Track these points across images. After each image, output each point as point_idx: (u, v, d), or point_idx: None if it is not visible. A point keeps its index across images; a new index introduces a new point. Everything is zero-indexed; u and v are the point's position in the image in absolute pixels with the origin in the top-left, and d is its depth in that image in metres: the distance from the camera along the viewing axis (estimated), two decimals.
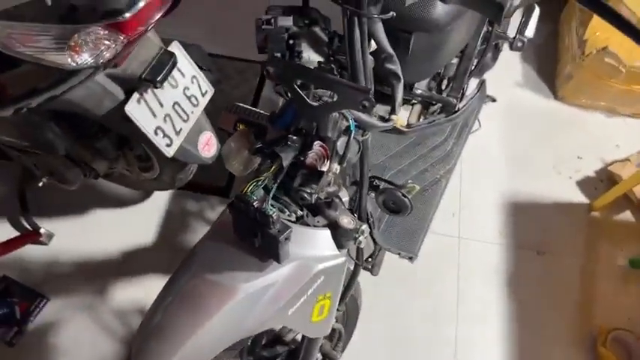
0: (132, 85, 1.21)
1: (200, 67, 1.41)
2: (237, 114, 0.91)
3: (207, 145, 1.48)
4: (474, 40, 1.38)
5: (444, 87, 1.56)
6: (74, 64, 0.98)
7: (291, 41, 0.87)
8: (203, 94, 1.41)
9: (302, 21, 0.85)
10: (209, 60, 1.52)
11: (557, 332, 1.68)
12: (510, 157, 2.06)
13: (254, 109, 0.90)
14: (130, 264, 1.74)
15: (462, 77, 1.44)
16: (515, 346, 1.65)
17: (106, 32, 0.96)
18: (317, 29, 0.85)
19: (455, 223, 1.87)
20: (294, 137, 0.74)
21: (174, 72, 1.29)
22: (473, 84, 1.60)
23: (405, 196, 0.89)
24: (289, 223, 0.75)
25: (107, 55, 0.99)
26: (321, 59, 0.85)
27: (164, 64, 1.21)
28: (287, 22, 0.86)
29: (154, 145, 1.30)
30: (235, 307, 0.75)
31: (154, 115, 1.27)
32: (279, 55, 0.83)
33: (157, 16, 1.02)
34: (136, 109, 1.22)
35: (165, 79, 1.21)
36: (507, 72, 2.28)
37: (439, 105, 1.53)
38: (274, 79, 0.68)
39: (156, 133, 1.28)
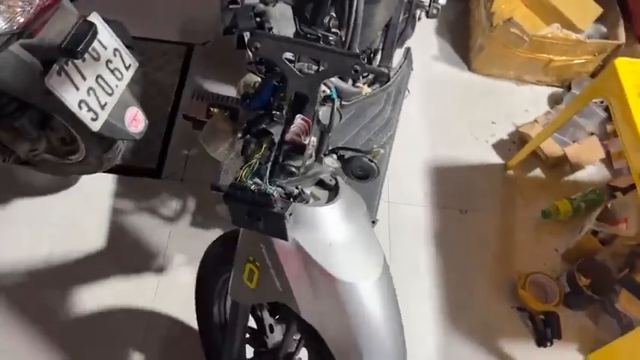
0: (51, 56, 1.18)
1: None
2: (206, 100, 0.92)
3: (135, 121, 1.46)
4: (397, 10, 1.46)
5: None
6: None
7: (258, 19, 0.87)
8: (127, 68, 1.40)
9: None
10: (131, 38, 1.50)
11: (482, 281, 1.82)
12: (431, 126, 2.18)
13: (219, 93, 0.91)
14: (58, 258, 1.67)
15: (390, 47, 1.51)
16: (445, 296, 1.76)
17: None
18: (283, 5, 0.86)
19: (384, 189, 1.96)
20: (278, 113, 0.76)
21: (96, 44, 1.26)
22: (397, 53, 1.68)
23: (371, 161, 0.94)
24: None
25: (21, 19, 0.97)
26: (291, 34, 0.86)
27: (84, 33, 1.18)
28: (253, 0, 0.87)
29: (79, 119, 1.27)
30: None
31: (77, 88, 1.25)
32: (247, 33, 0.83)
33: None
34: (57, 82, 1.19)
35: (86, 49, 1.19)
36: (424, 47, 2.40)
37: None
38: (261, 54, 0.69)
39: (80, 107, 1.26)
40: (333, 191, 1.01)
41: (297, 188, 0.93)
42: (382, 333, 0.90)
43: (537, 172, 2.12)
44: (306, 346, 1.05)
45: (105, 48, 1.31)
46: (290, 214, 0.81)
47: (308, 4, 0.86)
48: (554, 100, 2.33)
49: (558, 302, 1.75)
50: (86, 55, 1.24)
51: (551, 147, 2.06)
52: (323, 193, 1.00)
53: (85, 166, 1.65)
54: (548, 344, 1.70)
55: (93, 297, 1.61)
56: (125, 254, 1.70)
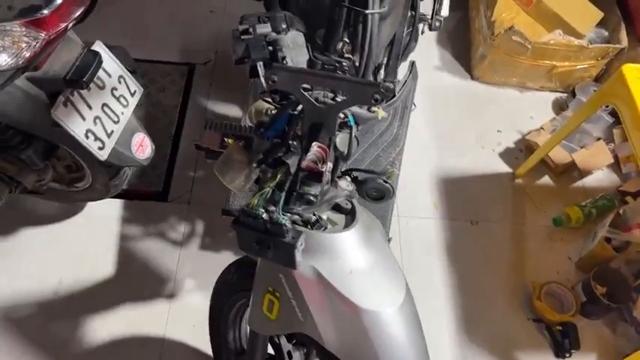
0: (56, 88, 1.17)
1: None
2: (219, 130, 0.91)
3: (142, 147, 1.45)
4: (401, 25, 1.45)
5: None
6: None
7: (270, 47, 0.86)
8: (132, 94, 1.39)
9: (280, 26, 0.84)
10: (133, 62, 1.49)
11: (495, 292, 1.80)
12: (436, 137, 2.17)
13: (231, 122, 0.90)
14: (68, 287, 1.65)
15: (395, 61, 1.50)
16: (460, 309, 1.74)
17: (25, 30, 0.92)
18: (295, 33, 0.85)
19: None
20: (294, 143, 0.75)
21: (101, 72, 1.25)
22: (402, 68, 1.68)
23: (386, 182, 0.93)
24: (301, 228, 0.77)
25: (27, 54, 0.95)
26: (304, 62, 0.85)
27: (89, 63, 1.17)
28: (265, 29, 0.85)
29: (86, 149, 1.26)
30: None
31: (83, 118, 1.23)
32: (260, 63, 0.82)
33: (78, 12, 1.00)
34: (63, 113, 1.18)
35: (91, 79, 1.17)
36: (426, 58, 2.40)
37: None
38: (279, 86, 0.68)
39: (87, 137, 1.24)
40: (349, 215, 0.99)
41: (314, 215, 0.92)
42: (408, 358, 0.89)
43: (546, 179, 2.10)
44: None
45: (110, 76, 1.30)
46: (301, 244, 0.80)
47: (320, 31, 0.85)
48: (558, 106, 2.32)
49: (575, 312, 1.73)
50: (91, 84, 1.23)
51: (559, 154, 2.04)
52: (339, 218, 0.99)
53: (91, 193, 1.63)
54: (567, 355, 1.68)
55: (104, 326, 1.58)
56: (135, 281, 1.68)
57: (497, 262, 1.87)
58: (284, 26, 0.82)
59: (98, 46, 1.26)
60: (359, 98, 0.68)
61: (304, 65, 0.83)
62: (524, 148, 2.16)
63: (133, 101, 1.39)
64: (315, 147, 0.82)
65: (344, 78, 0.70)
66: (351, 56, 0.82)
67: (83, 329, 1.58)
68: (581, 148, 2.08)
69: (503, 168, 2.12)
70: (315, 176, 0.85)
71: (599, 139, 2.12)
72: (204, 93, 2.19)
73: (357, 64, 0.82)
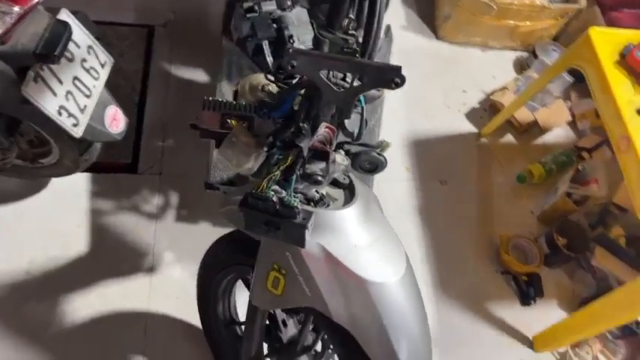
0: (25, 63, 1.08)
1: None
2: (219, 110, 0.86)
3: (115, 120, 1.38)
4: None
5: None
6: None
7: (275, 25, 0.82)
8: (102, 65, 1.31)
9: (285, 3, 0.80)
10: (97, 28, 1.39)
11: (466, 248, 1.89)
12: (406, 98, 2.19)
13: (230, 101, 0.86)
14: (41, 266, 1.59)
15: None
16: (434, 267, 1.82)
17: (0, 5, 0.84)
18: (299, 9, 0.81)
19: None
20: (305, 125, 0.73)
21: (70, 44, 1.17)
22: None
23: (379, 154, 0.93)
24: (309, 208, 0.77)
25: (0, 30, 0.88)
26: (310, 40, 0.82)
27: (59, 35, 1.09)
28: (271, 6, 0.81)
29: (60, 127, 1.19)
30: None
31: (55, 94, 1.16)
32: (266, 41, 0.78)
33: None
34: (34, 90, 1.10)
35: (62, 52, 1.10)
36: (392, 18, 2.38)
37: None
38: (298, 71, 0.65)
39: (60, 114, 1.17)
40: (347, 189, 1.00)
41: (317, 192, 0.92)
42: (412, 325, 0.93)
43: (509, 137, 2.18)
44: (334, 346, 1.06)
45: (78, 47, 1.22)
46: (311, 225, 0.81)
47: (323, 6, 0.82)
48: (519, 65, 2.39)
49: (539, 263, 1.85)
50: None
51: (522, 113, 2.12)
52: (338, 193, 1.00)
53: (59, 169, 1.55)
54: (532, 302, 1.80)
55: (84, 304, 1.55)
56: (111, 256, 1.64)
57: (467, 219, 1.96)
58: (289, 3, 0.79)
59: (65, 15, 1.17)
60: (379, 82, 0.68)
61: (310, 43, 0.81)
62: (489, 107, 2.22)
63: (104, 73, 1.31)
64: (323, 127, 0.81)
65: (365, 63, 0.69)
66: (355, 33, 0.80)
67: (62, 309, 1.54)
68: (543, 106, 2.16)
69: (469, 128, 2.18)
70: (322, 155, 0.85)
71: (558, 97, 2.21)
72: (165, 56, 2.09)
73: (360, 40, 0.81)
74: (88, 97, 1.25)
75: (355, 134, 0.80)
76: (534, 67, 2.22)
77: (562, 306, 1.84)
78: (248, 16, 0.77)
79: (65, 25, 1.11)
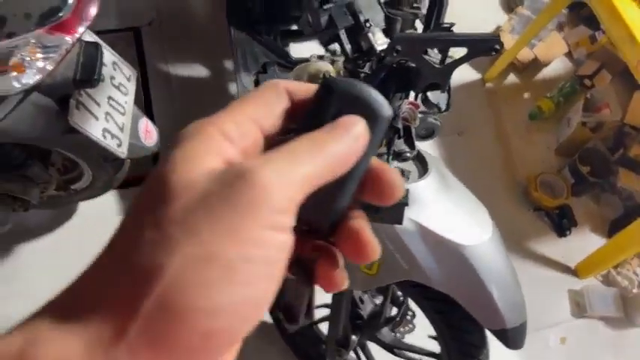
0: (64, 92, 1.04)
1: None
2: None
3: (148, 132, 1.35)
4: None
5: None
6: (20, 86, 0.81)
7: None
8: (128, 79, 1.27)
9: None
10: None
11: (494, 193, 1.93)
12: None
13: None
14: None
15: None
16: None
17: (49, 38, 0.80)
18: None
19: None
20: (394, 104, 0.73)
21: None
22: None
23: (436, 120, 0.94)
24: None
25: (52, 66, 0.84)
26: (382, 19, 0.80)
27: (93, 58, 1.05)
28: None
29: (107, 150, 1.16)
30: None
31: (96, 118, 1.12)
32: (343, 30, 0.77)
33: (95, 10, 0.87)
34: (78, 117, 1.06)
35: (100, 74, 1.06)
36: None
37: None
38: (402, 55, 0.65)
39: (104, 137, 1.14)
40: (415, 160, 1.02)
41: (398, 168, 0.93)
42: (505, 275, 0.97)
43: (512, 77, 2.21)
44: (427, 312, 1.09)
45: (106, 65, 1.17)
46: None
47: None
48: (507, 5, 2.39)
49: (567, 195, 1.92)
50: None
51: (522, 52, 2.14)
52: (409, 164, 1.01)
53: (93, 190, 1.51)
54: (568, 233, 1.87)
55: None
56: None
57: (489, 165, 2.00)
58: None
59: (89, 36, 1.12)
60: (478, 51, 0.69)
61: (382, 24, 0.80)
62: None
63: (132, 87, 1.28)
64: (406, 104, 0.81)
65: (464, 35, 0.69)
66: (419, 5, 0.80)
67: None
68: (540, 41, 2.19)
69: (473, 75, 2.19)
70: (406, 132, 0.86)
71: (552, 29, 2.24)
72: (159, 56, 2.03)
73: (423, 12, 0.81)
74: (123, 114, 1.22)
75: (444, 106, 0.80)
76: (527, 5, 2.23)
77: (596, 231, 1.91)
78: (325, 7, 0.76)
79: (96, 47, 1.06)
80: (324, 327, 1.35)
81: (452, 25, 0.86)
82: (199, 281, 0.23)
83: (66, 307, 0.25)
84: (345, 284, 0.31)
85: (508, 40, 2.12)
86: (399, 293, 1.21)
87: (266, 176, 0.25)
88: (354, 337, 1.25)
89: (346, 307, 1.18)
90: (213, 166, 0.26)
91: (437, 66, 0.70)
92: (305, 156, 0.26)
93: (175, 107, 1.92)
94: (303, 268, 0.31)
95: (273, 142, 0.29)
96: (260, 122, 0.28)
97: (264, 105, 0.29)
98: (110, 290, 0.24)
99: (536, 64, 2.20)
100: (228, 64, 1.95)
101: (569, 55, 2.29)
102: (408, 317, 1.31)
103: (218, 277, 0.24)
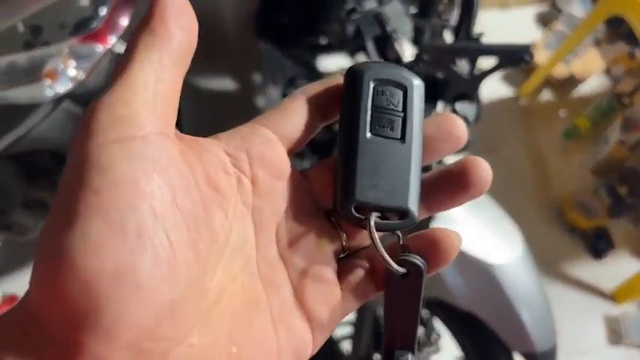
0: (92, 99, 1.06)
1: None
2: None
3: None
4: None
5: None
6: (52, 94, 0.83)
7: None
8: None
9: None
10: None
11: (529, 214, 1.87)
12: None
13: None
14: None
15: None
16: None
17: (83, 47, 0.81)
18: (394, 2, 0.78)
19: None
20: None
21: None
22: None
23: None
24: None
25: (84, 74, 0.85)
26: (410, 30, 0.80)
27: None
28: (372, 4, 0.79)
29: None
30: None
31: None
32: (371, 41, 0.77)
33: (125, 20, 0.89)
34: None
35: None
36: None
37: None
38: (431, 65, 0.64)
39: None
40: None
41: None
42: (537, 299, 0.94)
43: (547, 94, 2.16)
44: (453, 331, 1.05)
45: None
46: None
47: None
48: (541, 20, 2.35)
49: (604, 216, 1.84)
50: None
51: (557, 68, 2.09)
52: None
53: None
54: (604, 256, 1.79)
55: None
56: None
57: (523, 184, 1.94)
58: None
59: (119, 45, 1.14)
60: (509, 62, 0.66)
61: (410, 33, 0.79)
62: (522, 68, 2.19)
63: None
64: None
65: (494, 46, 0.67)
66: (448, 17, 0.78)
67: None
68: (576, 57, 2.13)
69: (507, 92, 2.15)
70: None
71: (588, 45, 2.18)
72: (190, 69, 2.06)
73: (453, 23, 0.79)
74: None
75: (472, 118, 0.78)
76: (562, 21, 2.18)
77: (634, 254, 1.83)
78: (352, 17, 0.75)
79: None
80: (344, 345, 1.32)
81: (480, 35, 0.84)
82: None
83: None
84: (457, 243, 0.29)
85: (543, 56, 2.08)
86: (425, 312, 1.17)
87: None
88: (376, 356, 1.22)
89: (370, 324, 1.15)
90: None
91: (465, 77, 0.68)
92: None
93: (204, 119, 1.94)
94: (406, 257, 0.28)
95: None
96: (274, 128, 0.28)
97: (279, 112, 0.29)
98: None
99: (572, 81, 2.14)
100: (257, 78, 1.97)
101: (607, 72, 2.22)
102: (434, 338, 1.27)
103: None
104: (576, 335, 1.65)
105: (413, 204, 0.28)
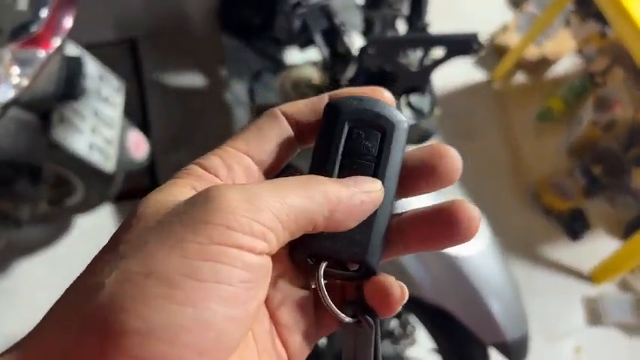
0: (45, 107, 1.02)
1: None
2: None
3: (139, 145, 1.33)
4: None
5: None
6: None
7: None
8: (116, 91, 1.25)
9: None
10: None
11: (506, 198, 1.87)
12: None
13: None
14: None
15: None
16: None
17: (23, 53, 0.77)
18: None
19: None
20: None
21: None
22: None
23: (426, 123, 0.90)
24: None
25: (27, 81, 0.81)
26: (359, 22, 0.77)
27: (75, 71, 1.03)
28: None
29: (91, 165, 1.13)
30: None
31: (81, 132, 1.10)
32: (319, 34, 0.74)
33: (70, 19, 0.85)
34: (62, 132, 1.04)
35: (82, 88, 1.03)
36: None
37: None
38: (376, 59, 0.61)
39: (90, 151, 1.11)
40: None
41: None
42: (505, 288, 0.94)
43: (520, 77, 2.15)
44: (424, 323, 1.04)
45: (91, 78, 1.15)
46: None
47: None
48: (513, 2, 2.33)
49: (579, 196, 1.84)
50: None
51: (529, 50, 2.08)
52: None
53: (87, 205, 1.49)
54: (581, 237, 1.80)
55: None
56: None
57: (499, 169, 1.93)
58: None
59: (72, 49, 1.10)
60: (458, 51, 0.64)
61: (360, 25, 0.76)
62: (493, 50, 2.17)
63: (119, 99, 1.25)
64: None
65: (441, 36, 0.65)
66: (398, 7, 0.76)
67: None
68: (547, 39, 2.12)
69: (479, 76, 2.13)
70: None
71: (559, 26, 2.17)
72: (158, 69, 2.01)
73: (403, 13, 0.77)
74: (111, 127, 1.19)
75: (427, 110, 0.76)
76: (532, 2, 2.16)
77: (610, 234, 1.84)
78: (299, 12, 0.72)
79: (78, 60, 1.04)
80: (320, 341, 1.30)
81: (426, 25, 0.82)
82: (134, 298, 0.21)
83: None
84: (406, 295, 0.28)
85: (514, 39, 2.06)
86: None
87: (229, 194, 0.23)
88: None
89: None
90: (189, 196, 0.25)
91: (411, 70, 0.66)
92: (295, 188, 0.25)
93: (172, 117, 1.90)
94: (360, 306, 0.28)
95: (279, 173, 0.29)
96: (251, 153, 0.28)
97: (256, 134, 0.28)
98: (55, 308, 0.24)
99: (545, 63, 2.13)
100: (224, 73, 1.93)
101: (579, 52, 2.22)
102: (409, 331, 1.27)
103: (155, 294, 0.21)
104: (556, 317, 1.66)
105: (371, 256, 0.27)
